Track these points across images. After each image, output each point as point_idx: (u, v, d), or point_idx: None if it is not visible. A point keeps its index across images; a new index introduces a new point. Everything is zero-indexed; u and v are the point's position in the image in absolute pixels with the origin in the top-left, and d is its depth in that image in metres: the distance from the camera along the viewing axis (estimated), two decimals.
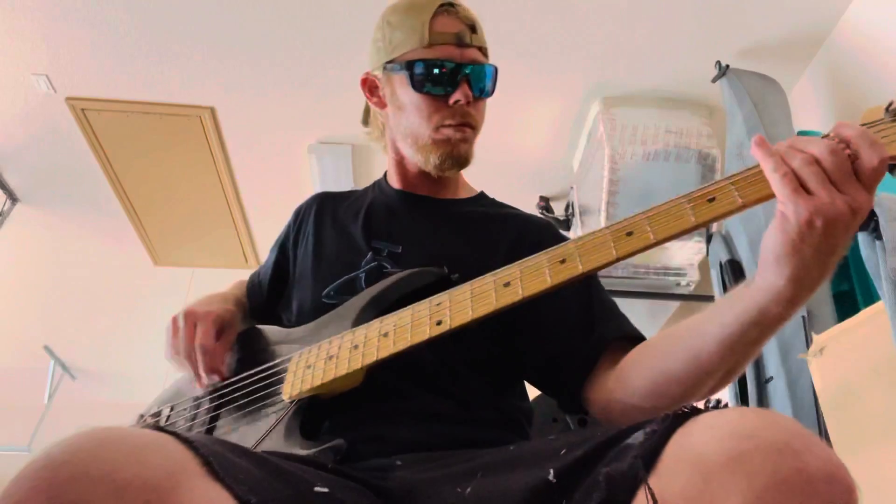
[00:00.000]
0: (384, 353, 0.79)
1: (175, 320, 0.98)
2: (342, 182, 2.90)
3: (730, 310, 0.66)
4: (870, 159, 0.57)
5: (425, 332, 0.77)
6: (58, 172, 2.97)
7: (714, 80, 2.41)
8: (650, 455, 0.51)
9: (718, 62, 2.38)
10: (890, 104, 0.62)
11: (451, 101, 0.95)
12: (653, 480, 0.49)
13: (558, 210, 3.12)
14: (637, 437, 0.55)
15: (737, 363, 0.69)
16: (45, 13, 2.26)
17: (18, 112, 2.64)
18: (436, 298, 0.80)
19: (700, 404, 0.56)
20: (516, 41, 2.43)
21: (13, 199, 3.08)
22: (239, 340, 1.03)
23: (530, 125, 2.81)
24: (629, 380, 0.78)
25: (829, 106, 2.32)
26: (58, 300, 3.92)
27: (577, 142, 2.85)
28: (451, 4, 0.98)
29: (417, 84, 0.96)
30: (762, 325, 0.64)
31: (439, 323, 0.77)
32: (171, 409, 1.03)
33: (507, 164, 2.98)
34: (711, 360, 0.68)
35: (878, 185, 0.59)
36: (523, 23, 2.35)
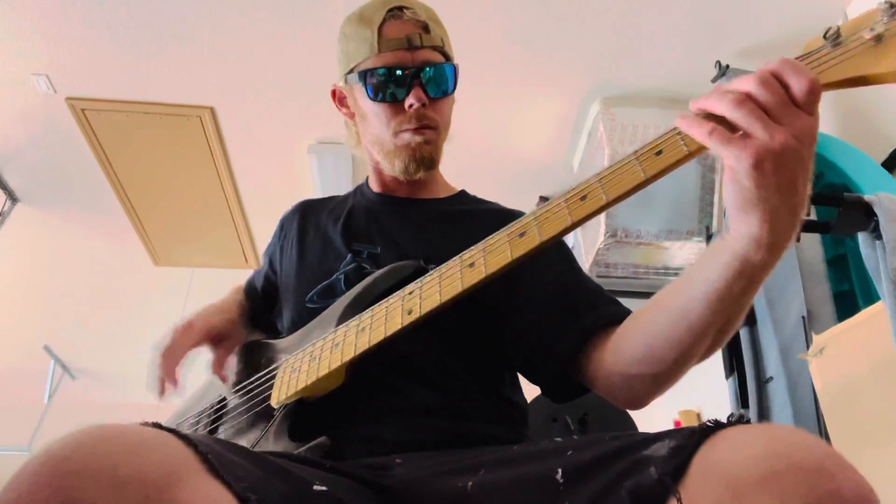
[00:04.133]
0: (361, 349, 0.79)
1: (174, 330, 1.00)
2: (342, 182, 2.90)
3: (713, 265, 0.64)
4: (799, 84, 0.55)
5: (397, 322, 0.77)
6: (58, 172, 2.97)
7: (714, 80, 2.41)
8: (677, 471, 0.51)
9: (718, 62, 2.38)
10: (828, 31, 0.60)
11: (406, 105, 0.96)
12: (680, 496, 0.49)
13: None
14: (656, 450, 0.54)
15: (727, 320, 0.67)
16: (45, 13, 2.26)
17: (18, 112, 2.64)
18: (408, 288, 0.81)
19: (723, 419, 0.55)
20: (516, 41, 2.43)
21: (13, 199, 3.08)
22: (237, 355, 1.05)
23: (530, 125, 2.81)
24: (624, 350, 0.76)
25: (829, 105, 2.32)
26: (58, 300, 3.93)
27: (577, 142, 2.85)
28: (400, 8, 0.98)
29: (372, 93, 0.97)
30: (746, 275, 0.61)
31: (410, 312, 0.77)
32: (177, 427, 1.04)
33: (507, 164, 2.98)
34: (702, 319, 0.66)
35: (817, 106, 0.57)
36: (524, 23, 2.36)
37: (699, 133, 0.58)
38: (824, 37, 0.60)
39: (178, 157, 2.93)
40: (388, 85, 0.96)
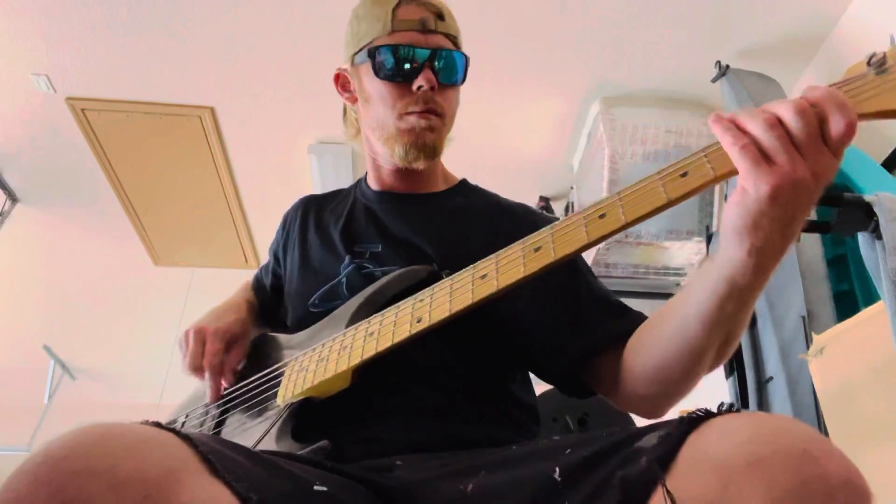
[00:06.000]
0: (368, 354, 0.79)
1: (186, 336, 0.98)
2: (342, 182, 2.90)
3: (702, 287, 0.64)
4: (837, 123, 0.53)
5: (406, 330, 0.77)
6: (58, 172, 2.97)
7: (714, 80, 2.41)
8: (665, 458, 0.51)
9: (718, 62, 2.38)
10: (871, 56, 0.56)
11: (415, 86, 0.93)
12: (669, 483, 0.49)
13: (558, 210, 3.12)
14: (648, 441, 0.54)
15: (728, 336, 0.68)
16: (45, 13, 2.26)
17: (18, 112, 2.64)
18: (420, 295, 0.80)
19: (713, 408, 0.55)
20: (517, 42, 2.43)
21: (13, 199, 3.08)
22: (249, 348, 1.04)
23: (530, 125, 2.81)
24: (636, 374, 0.77)
25: None
26: (58, 300, 3.92)
27: (577, 142, 2.85)
28: None
29: (379, 70, 0.94)
30: (735, 297, 0.62)
31: (419, 321, 0.76)
32: (186, 417, 1.05)
33: (507, 164, 2.98)
34: (700, 339, 0.67)
35: (845, 148, 0.55)
36: (524, 23, 2.35)
37: (733, 144, 0.55)
38: (868, 63, 0.57)
39: (178, 157, 2.93)
40: (397, 63, 0.94)
